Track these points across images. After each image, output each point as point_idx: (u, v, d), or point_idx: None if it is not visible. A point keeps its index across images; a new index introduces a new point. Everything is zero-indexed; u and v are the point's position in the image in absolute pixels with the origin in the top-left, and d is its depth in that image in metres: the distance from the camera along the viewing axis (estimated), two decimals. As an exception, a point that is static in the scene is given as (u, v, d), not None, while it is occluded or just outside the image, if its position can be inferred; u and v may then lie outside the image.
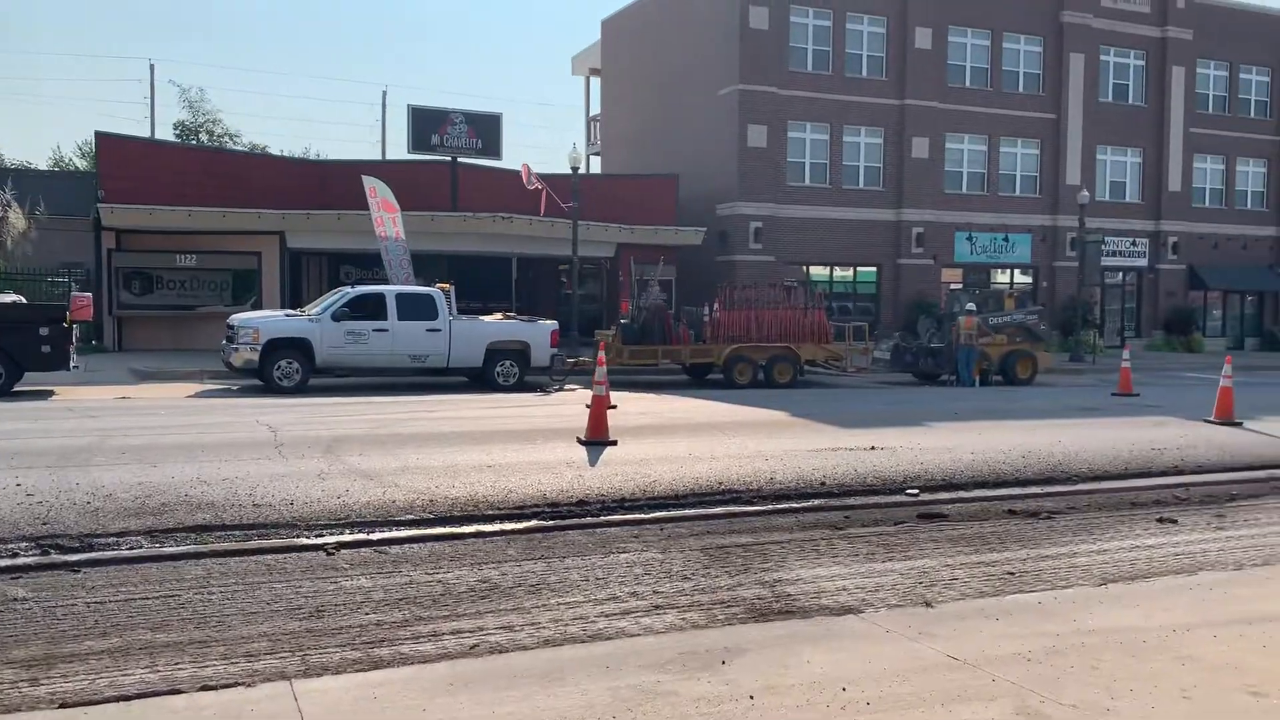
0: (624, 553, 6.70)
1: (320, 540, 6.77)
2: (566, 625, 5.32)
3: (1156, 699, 4.38)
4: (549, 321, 20.01)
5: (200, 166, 27.19)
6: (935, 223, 34.48)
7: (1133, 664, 4.82)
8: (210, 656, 4.76)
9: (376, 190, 22.89)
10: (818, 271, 33.98)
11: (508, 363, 18.95)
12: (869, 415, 14.78)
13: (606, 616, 5.48)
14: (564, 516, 7.56)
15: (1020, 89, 35.90)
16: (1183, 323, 38.52)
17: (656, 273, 22.14)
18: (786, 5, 31.98)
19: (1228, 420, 13.88)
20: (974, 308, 22.92)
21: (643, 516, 7.64)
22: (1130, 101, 38.00)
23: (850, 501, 8.47)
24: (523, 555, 6.59)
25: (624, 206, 29.69)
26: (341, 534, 6.98)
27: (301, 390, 17.38)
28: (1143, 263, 38.42)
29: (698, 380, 21.99)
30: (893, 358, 23.56)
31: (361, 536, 6.90)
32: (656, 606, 5.66)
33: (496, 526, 7.22)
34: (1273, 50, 40.58)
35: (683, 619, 5.47)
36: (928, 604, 5.78)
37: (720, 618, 5.51)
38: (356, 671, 4.64)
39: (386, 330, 18.21)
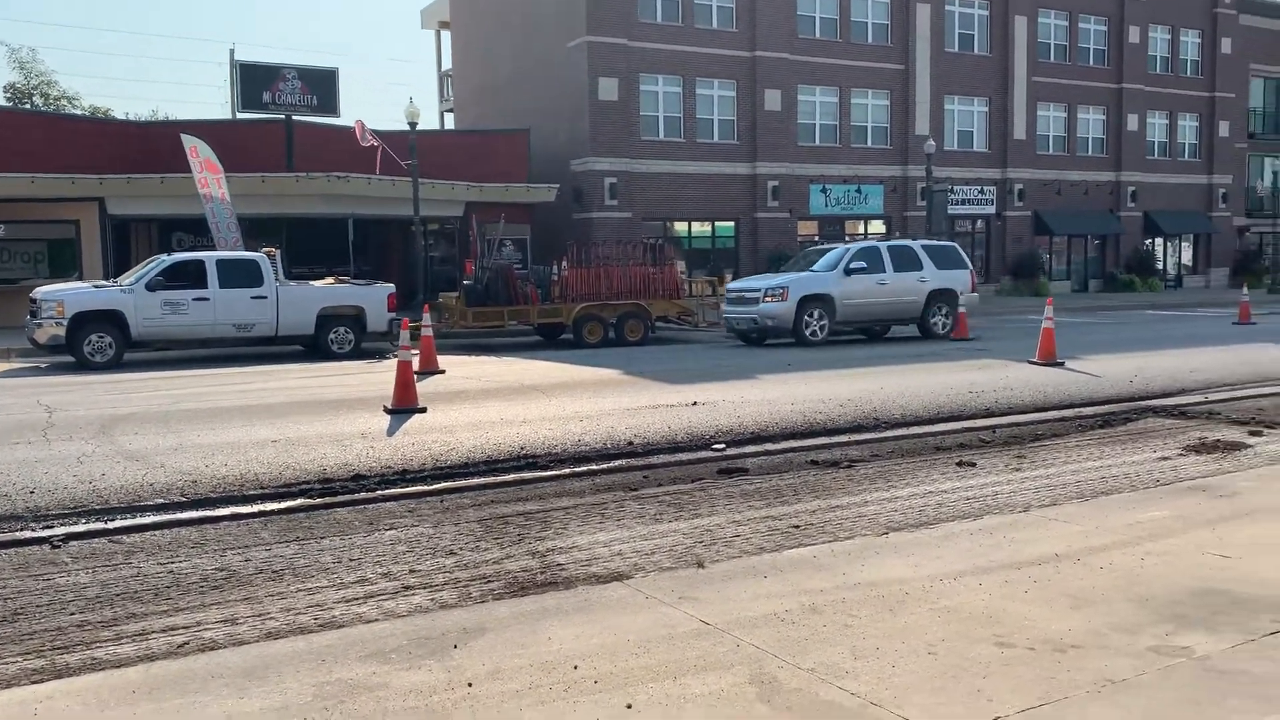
0: (391, 529, 6.26)
1: (49, 532, 6.12)
2: (299, 615, 4.86)
3: (899, 656, 4.18)
4: (385, 285, 19.25)
5: (6, 130, 25.24)
6: (790, 176, 34.66)
7: (888, 619, 4.62)
8: None
9: (198, 150, 21.60)
10: (677, 227, 33.83)
11: (342, 329, 18.18)
12: (704, 370, 14.62)
13: (347, 602, 5.03)
14: (336, 493, 7.05)
15: (869, 40, 36.25)
16: (1029, 268, 39.86)
17: (498, 231, 21.50)
18: (633, -46, 31.47)
19: (1050, 361, 14.17)
20: (822, 258, 23.02)
21: (425, 488, 7.19)
22: (976, 51, 38.82)
23: (653, 460, 8.18)
24: (277, 538, 6.08)
25: (474, 164, 28.88)
26: (76, 524, 6.34)
27: (116, 366, 16.32)
28: (990, 210, 39.53)
29: (550, 341, 21.59)
30: (744, 311, 23.52)
31: (98, 525, 6.27)
32: (407, 587, 5.24)
33: (256, 508, 6.67)
34: None
35: (432, 599, 5.06)
36: (700, 565, 5.52)
37: (474, 595, 5.12)
38: (32, 683, 4.09)
39: (208, 299, 17.22)
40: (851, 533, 6.12)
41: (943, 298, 20.26)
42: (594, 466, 7.89)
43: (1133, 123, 43.00)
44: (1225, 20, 45.25)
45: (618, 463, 8.06)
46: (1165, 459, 8.14)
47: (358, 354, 18.11)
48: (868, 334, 20.84)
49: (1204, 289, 44.94)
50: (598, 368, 14.94)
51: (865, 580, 5.17)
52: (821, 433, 9.34)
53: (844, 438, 9.12)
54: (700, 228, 34.50)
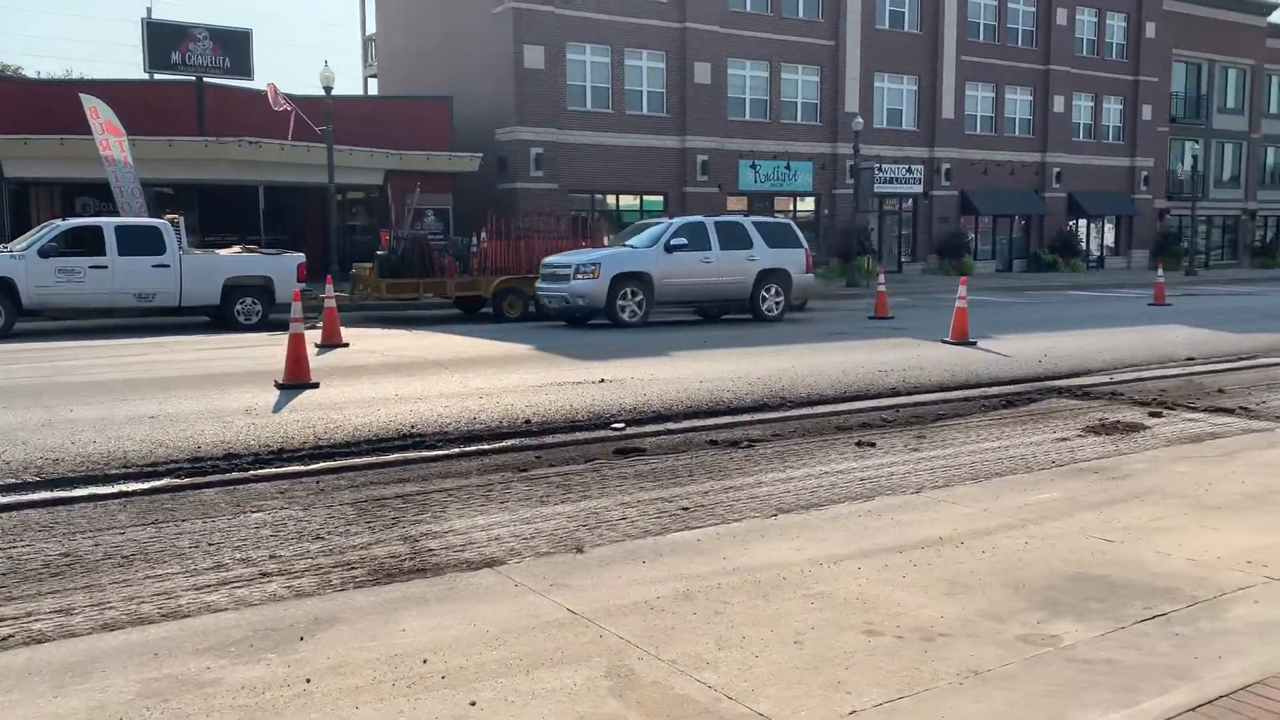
0: (259, 512, 5.96)
1: (-119, 516, 5.71)
2: (142, 604, 4.56)
3: (765, 646, 4.03)
4: (295, 254, 18.69)
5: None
6: (719, 150, 34.50)
7: (760, 606, 4.48)
8: None
9: (99, 110, 20.72)
10: (608, 200, 33.50)
11: (249, 300, 17.63)
12: (620, 346, 14.41)
13: (197, 590, 4.75)
14: (206, 473, 6.72)
15: (800, 14, 36.15)
16: (955, 247, 40.29)
17: (413, 200, 21.02)
18: (562, -80, 30.90)
19: (963, 340, 14.23)
20: (746, 234, 22.89)
21: (301, 469, 6.88)
22: (906, 29, 38.93)
23: (548, 440, 7.96)
24: (134, 521, 5.75)
25: (396, 131, 28.21)
26: (-86, 507, 5.93)
27: (4, 335, 15.67)
28: (918, 189, 39.81)
29: (469, 315, 21.21)
30: (668, 285, 23.29)
31: (-64, 508, 5.88)
32: (264, 574, 4.96)
33: (117, 488, 6.32)
34: (1037, -19, 42.37)
35: (288, 587, 4.79)
36: (579, 550, 5.32)
37: (335, 583, 4.86)
38: None
39: (106, 267, 16.56)
40: (741, 515, 5.97)
41: (774, 278, 19.11)
42: (484, 446, 7.64)
43: (1059, 104, 43.58)
44: (1150, 4, 46.02)
45: (510, 442, 7.82)
46: (1064, 440, 8.14)
47: (266, 326, 17.57)
48: (704, 314, 19.75)
49: (1125, 270, 45.90)
50: (511, 342, 14.67)
51: (745, 565, 5.03)
52: (725, 412, 9.19)
53: (747, 417, 8.98)
54: (628, 201, 34.19)
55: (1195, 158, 48.78)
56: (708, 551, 5.24)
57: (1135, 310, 21.94)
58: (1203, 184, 50.00)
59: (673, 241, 18.13)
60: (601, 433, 8.29)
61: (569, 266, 17.83)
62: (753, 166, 35.59)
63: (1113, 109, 46.24)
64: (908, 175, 39.36)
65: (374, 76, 41.17)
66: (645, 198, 34.23)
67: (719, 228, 18.96)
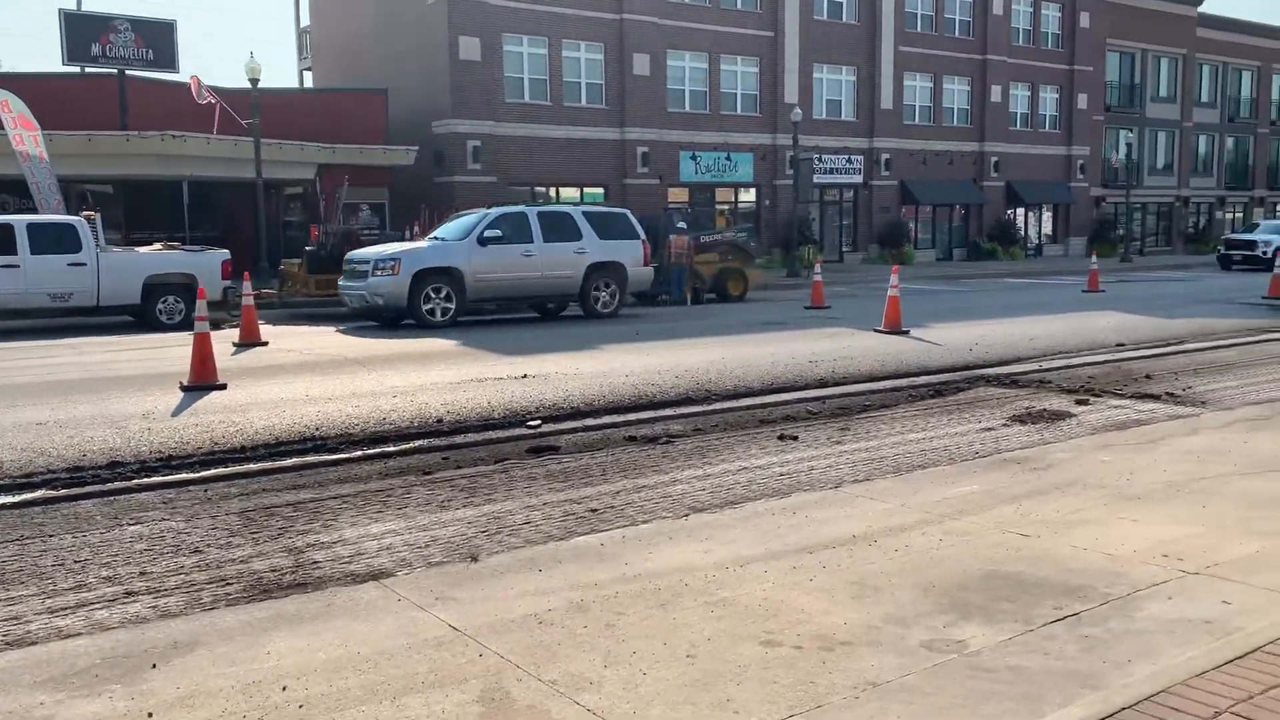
0: (137, 524, 5.59)
1: None
2: (-15, 630, 4.20)
3: (655, 662, 3.78)
4: (219, 251, 18.10)
5: None
6: (660, 142, 34.25)
7: (657, 616, 4.23)
8: None
9: (10, 104, 19.95)
10: (543, 193, 33.07)
11: (171, 299, 17.03)
12: (548, 340, 14.12)
13: (52, 614, 4.39)
14: (85, 483, 6.32)
15: (739, 5, 35.97)
16: (895, 237, 40.42)
17: (342, 194, 20.53)
18: (495, -91, 30.41)
19: (895, 329, 14.12)
20: (684, 226, 22.74)
21: (190, 476, 6.50)
22: (844, 20, 38.92)
23: (459, 440, 7.65)
24: (-5, 538, 5.36)
25: (329, 125, 27.58)
26: None
27: (-92, 340, 14.94)
28: (858, 179, 39.88)
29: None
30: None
31: None
32: (130, 594, 4.62)
33: (-17, 502, 5.92)
34: (973, -29, 42.57)
35: (153, 607, 4.45)
36: (474, 559, 5.03)
37: (205, 601, 4.53)
38: None
39: (17, 266, 15.92)
40: (651, 515, 5.73)
41: (607, 272, 17.94)
42: (389, 448, 7.31)
43: (996, 94, 43.89)
44: (1084, -6, 46.52)
45: (418, 443, 7.50)
46: (989, 430, 8.01)
47: (190, 325, 16.96)
48: (540, 310, 18.78)
49: (1063, 257, 46.41)
50: (436, 338, 14.30)
51: (647, 571, 4.78)
52: (648, 406, 8.94)
53: (670, 411, 8.74)
54: (569, 193, 33.76)
55: (1130, 146, 49.42)
56: (610, 557, 4.99)
57: (1070, 297, 22.08)
58: (1137, 172, 50.71)
59: (486, 233, 16.82)
60: (517, 431, 8.00)
61: (368, 262, 16.45)
62: (693, 158, 35.38)
63: (1049, 98, 46.69)
64: (847, 166, 39.40)
65: (309, 70, 40.35)
66: (586, 190, 33.87)
67: (543, 218, 17.71)
